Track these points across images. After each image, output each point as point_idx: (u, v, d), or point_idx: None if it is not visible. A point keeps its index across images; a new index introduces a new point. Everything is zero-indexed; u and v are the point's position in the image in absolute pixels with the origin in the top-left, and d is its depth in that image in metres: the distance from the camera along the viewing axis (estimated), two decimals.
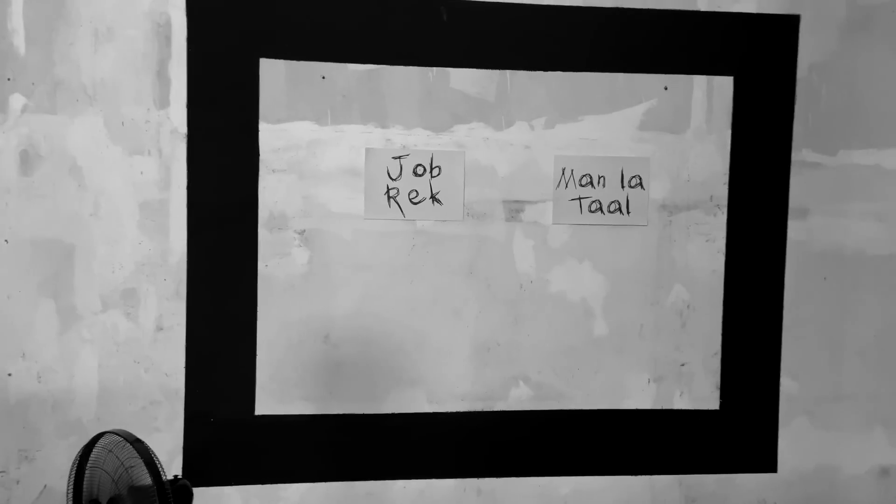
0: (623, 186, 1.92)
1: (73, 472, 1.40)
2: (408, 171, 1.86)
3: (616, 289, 1.93)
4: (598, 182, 1.91)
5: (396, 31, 1.84)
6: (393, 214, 1.87)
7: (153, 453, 1.31)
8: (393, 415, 1.89)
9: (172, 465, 1.81)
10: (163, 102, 1.79)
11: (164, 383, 1.82)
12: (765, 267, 1.96)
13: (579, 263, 1.92)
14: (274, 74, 1.82)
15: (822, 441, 1.99)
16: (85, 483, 1.37)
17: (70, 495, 1.39)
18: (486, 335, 1.91)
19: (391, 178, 1.86)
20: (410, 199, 1.87)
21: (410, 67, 1.85)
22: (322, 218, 1.85)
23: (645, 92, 1.91)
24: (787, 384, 1.98)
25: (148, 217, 1.80)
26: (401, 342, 1.89)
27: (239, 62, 1.81)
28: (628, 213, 1.92)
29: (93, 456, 1.37)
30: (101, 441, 1.36)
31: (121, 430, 1.35)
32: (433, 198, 1.88)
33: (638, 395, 1.95)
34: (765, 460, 1.99)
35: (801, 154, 1.95)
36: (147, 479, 1.29)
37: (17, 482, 1.80)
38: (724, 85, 1.92)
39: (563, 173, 1.90)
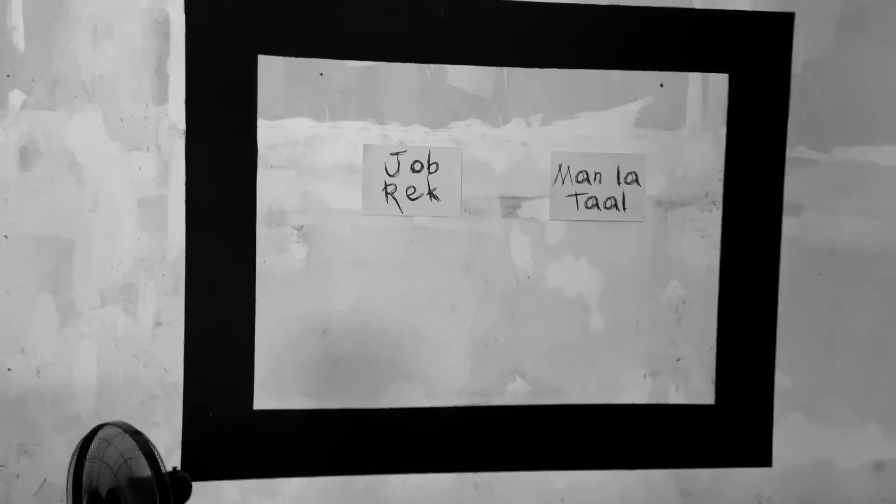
0: (619, 183, 1.93)
1: (73, 464, 1.40)
2: (405, 167, 1.87)
3: (612, 284, 1.94)
4: (595, 178, 1.92)
5: (394, 29, 1.85)
6: (391, 210, 1.88)
7: (152, 445, 1.32)
8: (390, 409, 1.90)
9: (171, 460, 1.81)
10: (161, 99, 1.80)
11: (162, 378, 1.83)
12: (759, 263, 1.97)
13: (576, 259, 1.93)
14: (272, 71, 1.82)
15: (816, 435, 2.01)
16: (84, 474, 1.38)
17: (70, 487, 1.40)
18: (484, 330, 1.92)
19: (389, 174, 1.87)
20: (408, 196, 1.88)
21: (408, 64, 1.86)
22: (320, 214, 1.86)
23: (641, 89, 1.92)
24: (781, 379, 1.99)
25: (146, 213, 1.81)
26: (398, 337, 1.90)
27: (237, 59, 1.82)
28: (624, 209, 1.93)
29: (92, 447, 1.38)
30: (101, 433, 1.37)
31: (120, 422, 1.35)
32: (430, 194, 1.89)
33: (634, 390, 1.96)
34: (760, 455, 2.00)
35: (796, 151, 1.96)
36: (146, 471, 1.30)
37: (17, 476, 1.81)
38: (719, 82, 1.94)
39: (560, 170, 1.91)
